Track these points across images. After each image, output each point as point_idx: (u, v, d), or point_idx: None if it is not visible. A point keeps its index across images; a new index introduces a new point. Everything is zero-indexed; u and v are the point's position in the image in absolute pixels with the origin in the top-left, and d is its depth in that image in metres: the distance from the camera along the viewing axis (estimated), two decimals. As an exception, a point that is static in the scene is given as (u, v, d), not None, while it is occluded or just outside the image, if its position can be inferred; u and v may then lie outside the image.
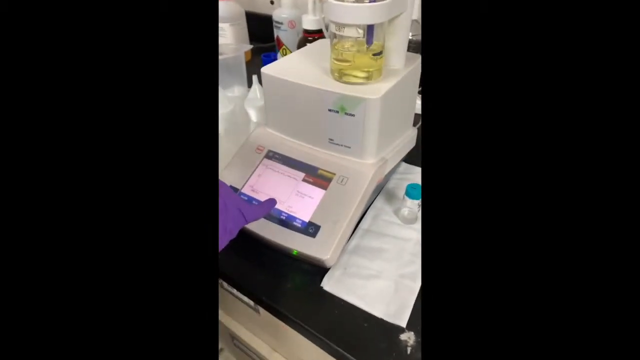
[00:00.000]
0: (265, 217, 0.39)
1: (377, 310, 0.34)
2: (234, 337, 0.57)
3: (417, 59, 0.43)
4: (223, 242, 0.31)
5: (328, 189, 0.39)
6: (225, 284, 0.47)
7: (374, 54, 0.37)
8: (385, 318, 0.33)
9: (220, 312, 0.56)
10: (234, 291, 0.45)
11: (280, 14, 0.72)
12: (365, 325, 0.33)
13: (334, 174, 0.40)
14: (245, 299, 0.44)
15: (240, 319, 0.54)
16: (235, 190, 0.42)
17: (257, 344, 0.53)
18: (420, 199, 0.40)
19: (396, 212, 0.44)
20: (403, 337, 0.32)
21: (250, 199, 0.41)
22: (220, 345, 0.67)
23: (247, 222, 0.33)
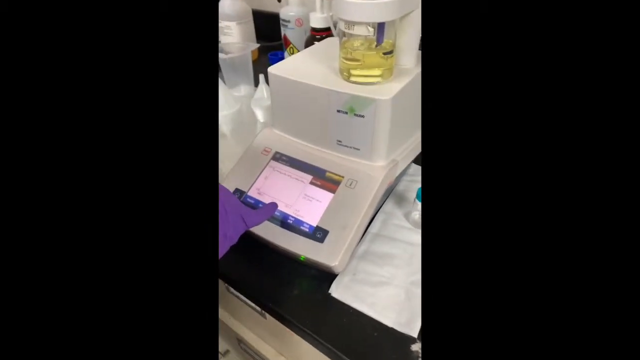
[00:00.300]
0: (272, 221, 0.38)
1: (387, 318, 0.33)
2: (240, 341, 0.56)
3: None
4: (223, 248, 0.30)
5: (336, 192, 0.38)
6: (231, 288, 0.46)
7: (385, 53, 0.36)
8: (396, 327, 0.32)
9: (226, 315, 0.56)
10: (241, 295, 0.44)
11: (288, 12, 0.71)
12: (375, 334, 0.32)
13: (343, 177, 0.39)
14: (252, 303, 0.44)
15: (247, 323, 0.53)
16: (242, 193, 0.41)
17: (263, 347, 0.52)
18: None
19: (406, 215, 0.43)
20: (414, 347, 0.31)
21: (257, 202, 0.40)
22: (226, 348, 0.67)
23: (247, 227, 0.32)
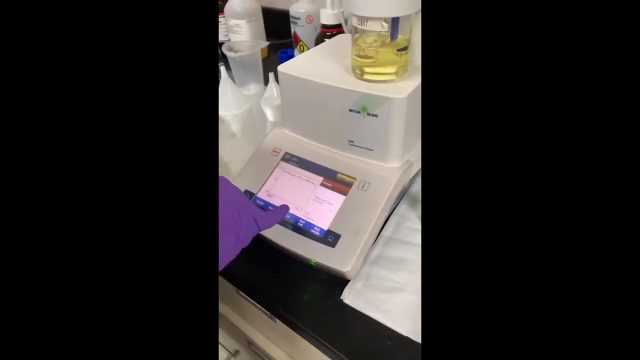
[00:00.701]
0: (282, 224, 0.37)
1: (402, 327, 0.32)
2: (250, 343, 0.56)
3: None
4: (235, 251, 0.29)
5: (348, 194, 0.37)
6: (241, 292, 0.45)
7: (399, 49, 0.34)
8: (411, 336, 0.31)
9: (237, 317, 0.55)
10: (250, 299, 0.43)
11: (298, 9, 0.70)
12: (389, 343, 0.31)
13: (355, 179, 0.37)
14: (262, 307, 0.43)
15: (257, 326, 0.53)
16: (251, 195, 0.40)
17: (274, 351, 0.51)
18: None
19: (421, 218, 0.41)
20: (430, 358, 0.30)
21: (267, 204, 0.39)
22: (236, 348, 0.66)
23: (260, 230, 0.32)
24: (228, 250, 0.29)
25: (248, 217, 0.31)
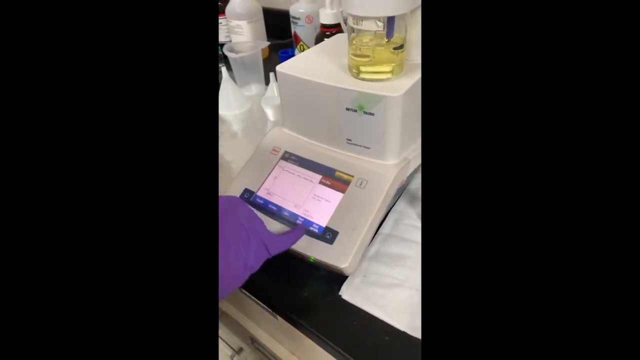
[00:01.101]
0: (280, 222, 0.38)
1: (399, 322, 0.32)
2: (253, 340, 0.57)
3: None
4: (244, 277, 0.28)
5: (346, 192, 0.37)
6: (242, 289, 0.46)
7: (395, 48, 0.35)
8: (408, 331, 0.31)
9: (240, 314, 0.56)
10: (252, 296, 0.44)
11: (298, 9, 0.70)
12: (386, 338, 0.31)
13: (352, 177, 0.38)
14: (263, 304, 0.43)
15: (260, 323, 0.53)
16: (251, 193, 0.41)
17: (276, 347, 0.52)
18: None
19: (419, 215, 0.42)
20: (427, 352, 0.30)
21: (266, 203, 0.40)
22: (240, 345, 0.67)
23: (270, 255, 0.30)
24: (236, 275, 0.27)
25: (258, 242, 0.29)
